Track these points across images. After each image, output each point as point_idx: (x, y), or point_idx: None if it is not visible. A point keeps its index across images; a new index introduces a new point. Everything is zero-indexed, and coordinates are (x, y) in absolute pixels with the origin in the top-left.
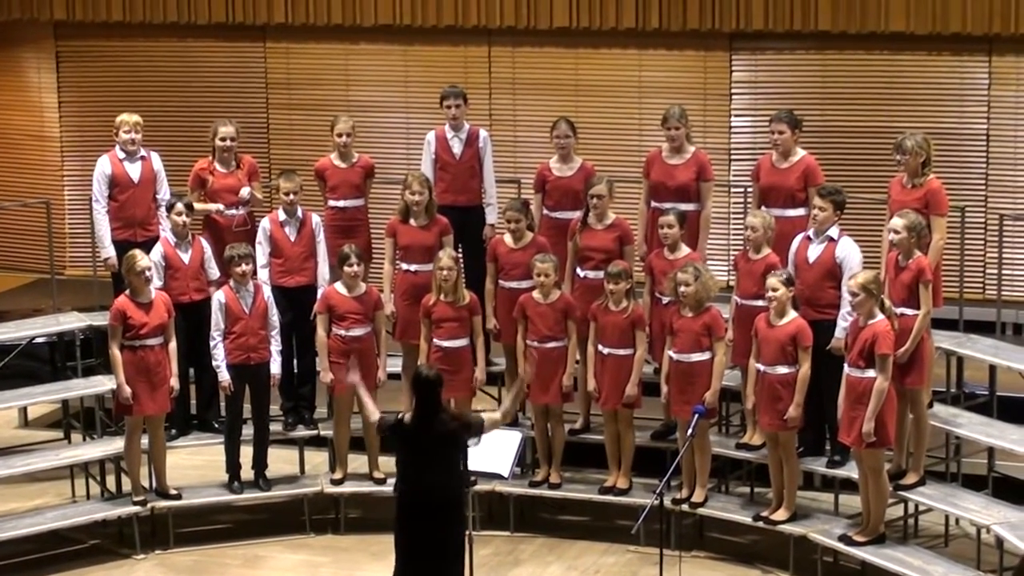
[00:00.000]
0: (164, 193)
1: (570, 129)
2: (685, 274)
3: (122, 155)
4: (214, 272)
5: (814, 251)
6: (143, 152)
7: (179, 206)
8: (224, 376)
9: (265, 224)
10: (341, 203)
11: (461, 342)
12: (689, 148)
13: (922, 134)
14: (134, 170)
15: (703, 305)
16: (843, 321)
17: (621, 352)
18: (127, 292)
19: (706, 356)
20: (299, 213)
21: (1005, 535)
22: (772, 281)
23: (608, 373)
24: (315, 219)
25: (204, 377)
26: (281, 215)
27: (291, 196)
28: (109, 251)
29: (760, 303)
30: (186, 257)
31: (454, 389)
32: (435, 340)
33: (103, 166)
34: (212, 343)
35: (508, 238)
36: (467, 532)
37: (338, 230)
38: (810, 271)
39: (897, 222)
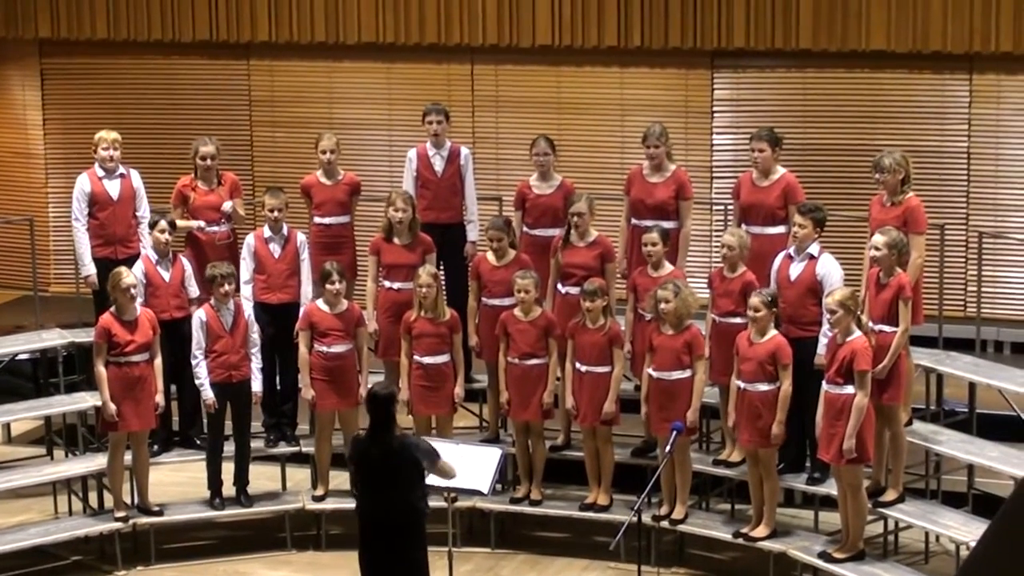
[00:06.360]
0: (144, 211)
1: (549, 147)
2: (665, 291)
3: (101, 173)
4: (194, 291)
5: (795, 269)
6: (122, 169)
7: (162, 223)
8: (208, 394)
9: (250, 240)
10: (326, 220)
11: (442, 358)
12: (669, 166)
13: (900, 152)
14: (113, 188)
15: (683, 323)
16: (824, 338)
17: (599, 370)
18: (112, 309)
19: (686, 374)
20: (284, 230)
21: None
22: (755, 301)
23: (586, 391)
24: (300, 237)
25: (185, 394)
26: (266, 232)
27: (276, 213)
28: (89, 269)
29: (738, 320)
30: (167, 275)
31: (435, 405)
32: (415, 356)
33: (82, 184)
34: (194, 361)
35: (491, 256)
36: (426, 551)
37: (323, 247)
38: (791, 289)
39: (878, 239)
